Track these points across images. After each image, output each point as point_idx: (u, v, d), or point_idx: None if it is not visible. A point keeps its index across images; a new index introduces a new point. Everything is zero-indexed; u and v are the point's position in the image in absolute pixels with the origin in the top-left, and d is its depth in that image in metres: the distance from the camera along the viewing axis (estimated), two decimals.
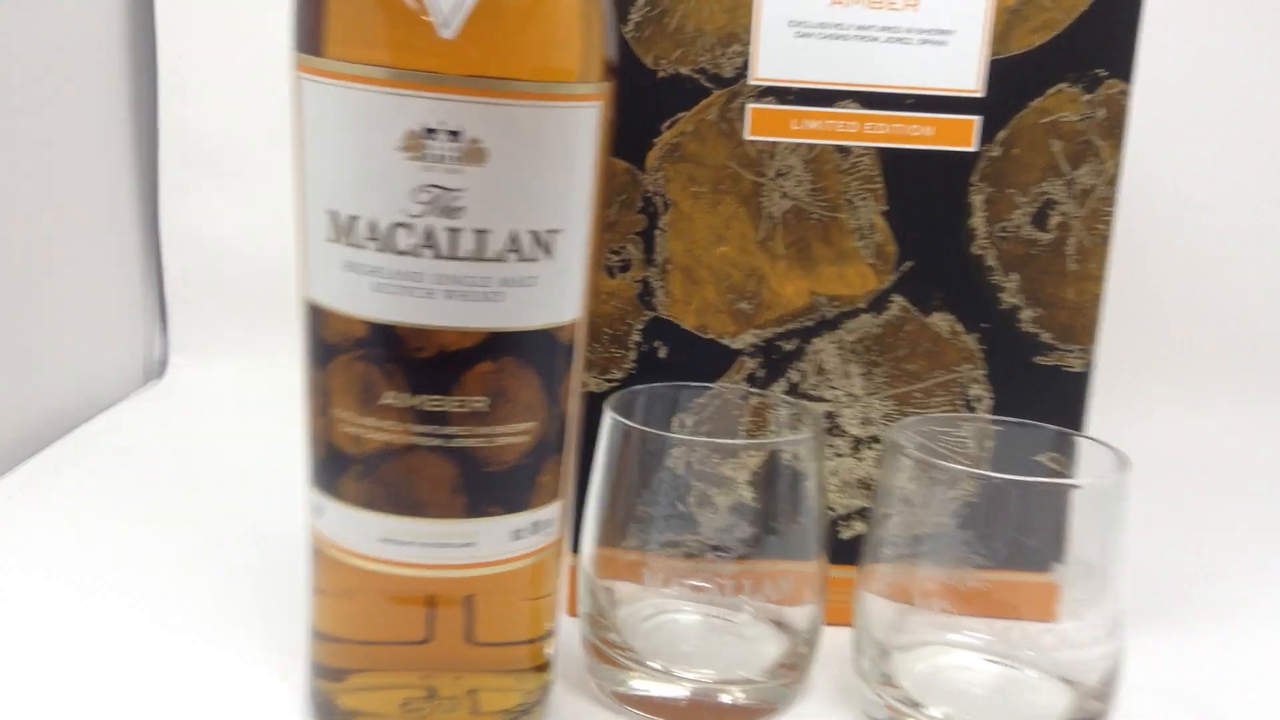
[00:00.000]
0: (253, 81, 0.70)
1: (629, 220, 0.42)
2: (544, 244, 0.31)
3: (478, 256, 0.30)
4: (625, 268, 0.42)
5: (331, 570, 0.34)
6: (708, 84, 0.41)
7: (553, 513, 0.35)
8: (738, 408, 0.42)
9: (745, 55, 0.41)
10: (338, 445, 0.32)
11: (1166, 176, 0.66)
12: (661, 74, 0.41)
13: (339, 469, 0.33)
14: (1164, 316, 0.68)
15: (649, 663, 0.38)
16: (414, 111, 0.29)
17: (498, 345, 0.31)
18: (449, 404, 0.31)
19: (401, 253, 0.30)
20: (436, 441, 0.31)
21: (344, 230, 0.30)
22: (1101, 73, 0.41)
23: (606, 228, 0.42)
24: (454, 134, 0.29)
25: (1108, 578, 0.35)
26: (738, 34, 0.40)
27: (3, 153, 0.57)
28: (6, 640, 0.40)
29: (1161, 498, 0.60)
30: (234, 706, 0.37)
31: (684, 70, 0.41)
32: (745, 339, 0.43)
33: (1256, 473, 0.66)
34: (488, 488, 0.32)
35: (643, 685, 0.38)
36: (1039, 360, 0.43)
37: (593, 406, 0.43)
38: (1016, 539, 0.35)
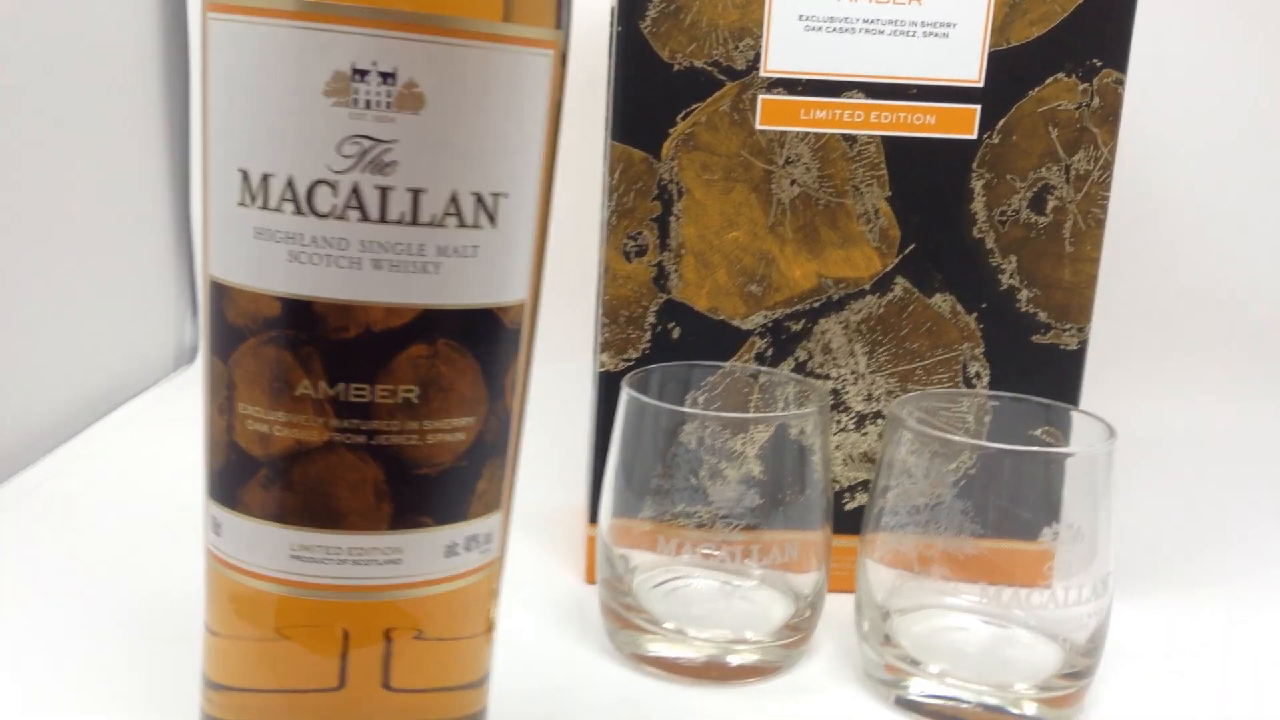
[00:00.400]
0: None
1: (645, 207, 0.44)
2: (488, 209, 0.27)
3: (411, 220, 0.26)
4: (641, 252, 0.44)
5: (226, 601, 0.30)
6: (721, 76, 0.43)
7: (492, 526, 0.30)
8: (747, 385, 0.44)
9: (757, 48, 0.42)
10: (242, 447, 0.28)
11: (1159, 162, 0.68)
12: (677, 67, 0.43)
13: (242, 476, 0.28)
14: (1156, 296, 0.70)
15: (664, 625, 0.40)
16: (343, 49, 0.25)
17: (432, 325, 0.27)
18: (374, 394, 0.27)
19: (323, 216, 0.26)
20: (359, 439, 0.27)
21: (256, 192, 0.26)
22: (1097, 63, 0.43)
23: (623, 214, 0.44)
24: (387, 75, 0.25)
25: (1096, 541, 0.37)
26: (749, 28, 0.42)
27: (44, 150, 0.59)
28: (58, 611, 0.42)
29: (1151, 469, 0.63)
30: None
31: (698, 63, 0.43)
32: (755, 320, 0.45)
33: (1243, 446, 0.68)
34: (418, 494, 0.28)
35: (658, 647, 0.40)
36: (1036, 339, 0.45)
37: (610, 385, 0.45)
38: (1011, 508, 0.37)
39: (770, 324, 0.45)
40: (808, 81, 0.43)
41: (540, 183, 0.29)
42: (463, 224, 0.27)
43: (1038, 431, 0.41)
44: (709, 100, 0.43)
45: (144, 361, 0.72)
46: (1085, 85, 0.43)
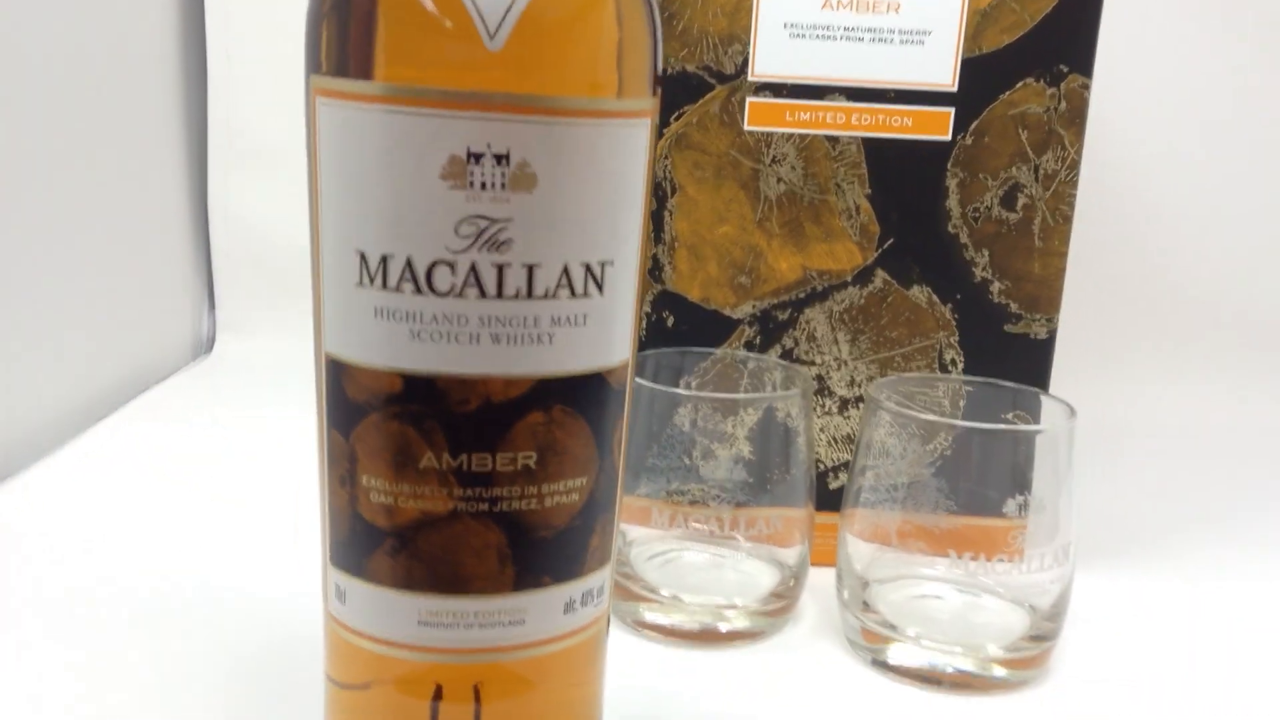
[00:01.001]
0: (294, 80, 0.74)
1: (650, 204, 0.47)
2: (596, 278, 0.28)
3: (527, 295, 0.27)
4: (648, 250, 0.47)
5: (352, 661, 0.31)
6: (711, 80, 0.46)
7: (604, 579, 0.31)
8: (737, 371, 0.47)
9: (744, 54, 0.45)
10: (366, 518, 0.29)
11: (1123, 162, 0.72)
12: (670, 71, 0.45)
13: (368, 545, 0.29)
14: (1121, 288, 0.74)
15: (660, 592, 0.43)
16: (458, 134, 0.26)
17: (547, 393, 0.28)
18: (496, 462, 0.28)
19: (442, 294, 0.27)
20: (482, 506, 0.28)
21: (375, 273, 0.27)
22: (1064, 68, 0.45)
23: None
24: (501, 157, 0.26)
25: (1058, 513, 0.40)
26: (738, 35, 0.45)
27: (67, 146, 0.62)
28: (72, 591, 0.44)
29: (1115, 451, 0.66)
30: None
31: (690, 68, 0.46)
32: (744, 309, 0.48)
33: (1202, 429, 0.72)
34: (538, 556, 0.29)
35: (655, 615, 0.43)
36: (1008, 328, 0.48)
37: None
38: (982, 484, 0.40)
39: (759, 313, 0.48)
40: (792, 85, 0.45)
41: (640, 246, 0.29)
42: (574, 294, 0.28)
43: (1008, 415, 0.44)
44: (700, 102, 0.46)
45: (162, 352, 0.75)
46: (1053, 90, 0.45)
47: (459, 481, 0.28)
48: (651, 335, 0.48)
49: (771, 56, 0.45)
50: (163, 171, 0.74)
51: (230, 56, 0.75)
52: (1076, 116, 0.46)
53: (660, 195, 0.46)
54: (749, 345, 0.48)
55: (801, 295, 0.47)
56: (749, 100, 0.46)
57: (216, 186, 0.77)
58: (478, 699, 0.30)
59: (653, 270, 0.47)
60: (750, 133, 0.46)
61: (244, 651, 0.40)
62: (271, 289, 0.78)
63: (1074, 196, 0.46)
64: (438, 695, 0.30)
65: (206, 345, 0.80)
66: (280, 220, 0.77)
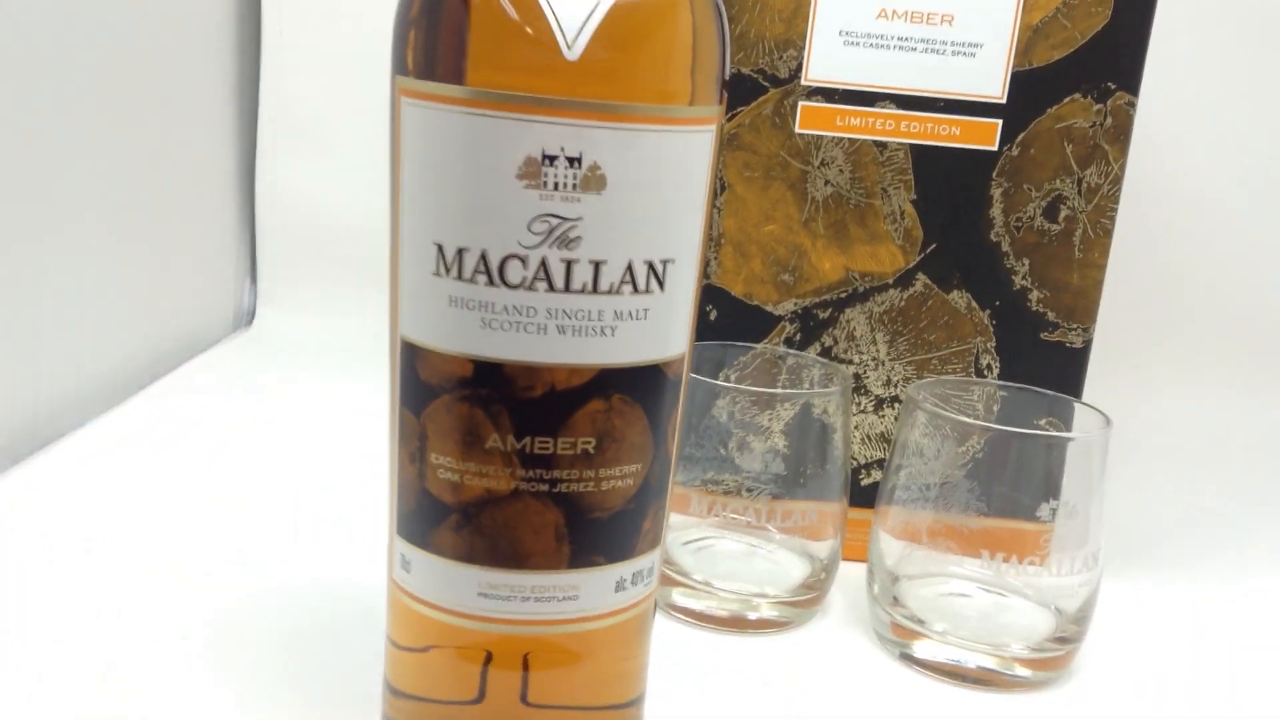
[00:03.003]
0: (344, 60, 0.76)
1: (712, 207, 0.48)
2: (658, 275, 0.30)
3: (593, 290, 0.29)
4: (707, 248, 0.48)
5: (411, 626, 0.33)
6: (765, 83, 0.47)
7: (653, 560, 0.33)
8: (776, 366, 0.48)
9: (799, 59, 0.46)
10: (433, 493, 0.30)
11: (1165, 178, 0.72)
12: (726, 74, 0.47)
13: (434, 519, 0.31)
14: (1157, 301, 0.75)
15: (693, 577, 0.44)
16: (535, 137, 0.27)
17: (608, 382, 0.30)
18: (557, 446, 0.30)
19: (513, 287, 0.28)
20: (542, 487, 0.30)
21: (450, 264, 0.29)
22: (1111, 86, 0.46)
23: None
24: (574, 160, 0.28)
25: (1088, 520, 0.41)
26: (793, 40, 0.46)
27: (121, 123, 0.63)
28: (112, 557, 0.45)
29: (1146, 459, 0.67)
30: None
31: (745, 70, 0.47)
32: (786, 307, 0.49)
33: (1234, 439, 0.73)
34: (593, 536, 0.31)
35: (687, 600, 0.44)
36: (1044, 336, 0.49)
37: None
38: (1014, 488, 0.41)
39: (800, 311, 0.49)
40: (844, 91, 0.46)
41: (701, 246, 0.31)
42: (636, 290, 0.29)
43: (1041, 421, 0.45)
44: (753, 104, 0.47)
45: (204, 323, 0.76)
46: (1099, 106, 0.46)
47: (521, 463, 0.29)
48: (695, 328, 0.49)
49: (825, 62, 0.46)
50: (213, 147, 0.76)
51: (283, 34, 0.76)
52: (1121, 133, 0.47)
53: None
54: (789, 342, 0.49)
55: (843, 295, 0.49)
56: (801, 104, 0.47)
57: (265, 162, 0.79)
58: (526, 667, 0.32)
59: None
60: (801, 135, 0.47)
61: (289, 623, 0.41)
62: (312, 264, 0.79)
63: (1115, 210, 0.47)
64: (488, 661, 0.32)
65: (247, 318, 0.81)
66: (323, 197, 0.78)
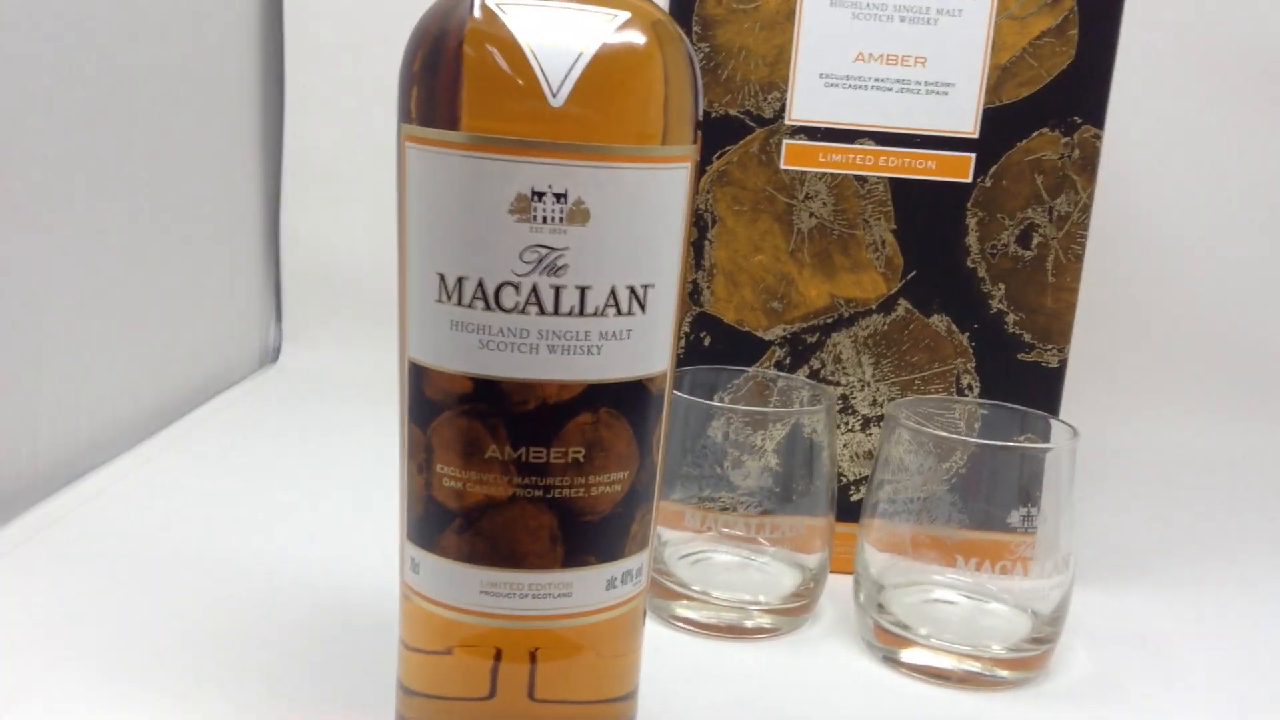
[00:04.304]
0: (364, 107, 0.80)
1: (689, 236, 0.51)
2: (639, 299, 0.32)
3: (579, 312, 0.31)
4: (686, 275, 0.51)
5: (422, 626, 0.35)
6: (751, 123, 0.50)
7: (642, 561, 0.35)
8: (768, 388, 0.51)
9: (783, 100, 0.50)
10: (439, 500, 0.33)
11: (1132, 206, 0.76)
12: (714, 114, 0.50)
13: (439, 524, 0.33)
14: (1128, 322, 0.78)
15: (692, 587, 0.47)
16: (525, 176, 0.30)
17: (595, 396, 0.32)
18: (550, 455, 0.32)
19: (508, 311, 0.31)
20: (537, 493, 0.32)
21: (451, 291, 0.31)
22: (1077, 120, 0.49)
23: None
24: (560, 196, 0.30)
25: (1059, 525, 0.43)
26: (777, 83, 0.49)
27: (151, 165, 0.66)
28: (134, 593, 0.46)
29: (1119, 475, 0.70)
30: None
31: (732, 112, 0.50)
32: (775, 332, 0.52)
33: (1204, 457, 0.75)
34: (584, 538, 0.33)
35: (686, 610, 0.47)
36: (1021, 357, 0.51)
37: None
38: (992, 498, 0.43)
39: (789, 336, 0.52)
40: (826, 129, 0.50)
41: (680, 271, 0.34)
42: (620, 312, 0.32)
43: (1019, 437, 0.47)
44: (740, 143, 0.50)
45: (231, 361, 0.79)
46: (1067, 139, 0.49)
47: (518, 471, 0.32)
48: (689, 353, 0.52)
49: (807, 103, 0.49)
50: (240, 192, 0.79)
51: (306, 88, 0.81)
52: (1089, 164, 0.49)
53: (701, 226, 0.51)
54: (779, 365, 0.52)
55: (829, 321, 0.51)
56: (786, 142, 0.50)
57: (288, 207, 0.82)
58: (533, 663, 0.34)
59: (692, 294, 0.51)
60: (786, 171, 0.50)
61: (311, 658, 0.42)
62: (335, 303, 0.83)
63: (1085, 237, 0.50)
64: (498, 657, 0.34)
65: (272, 355, 0.85)
66: (345, 240, 0.82)
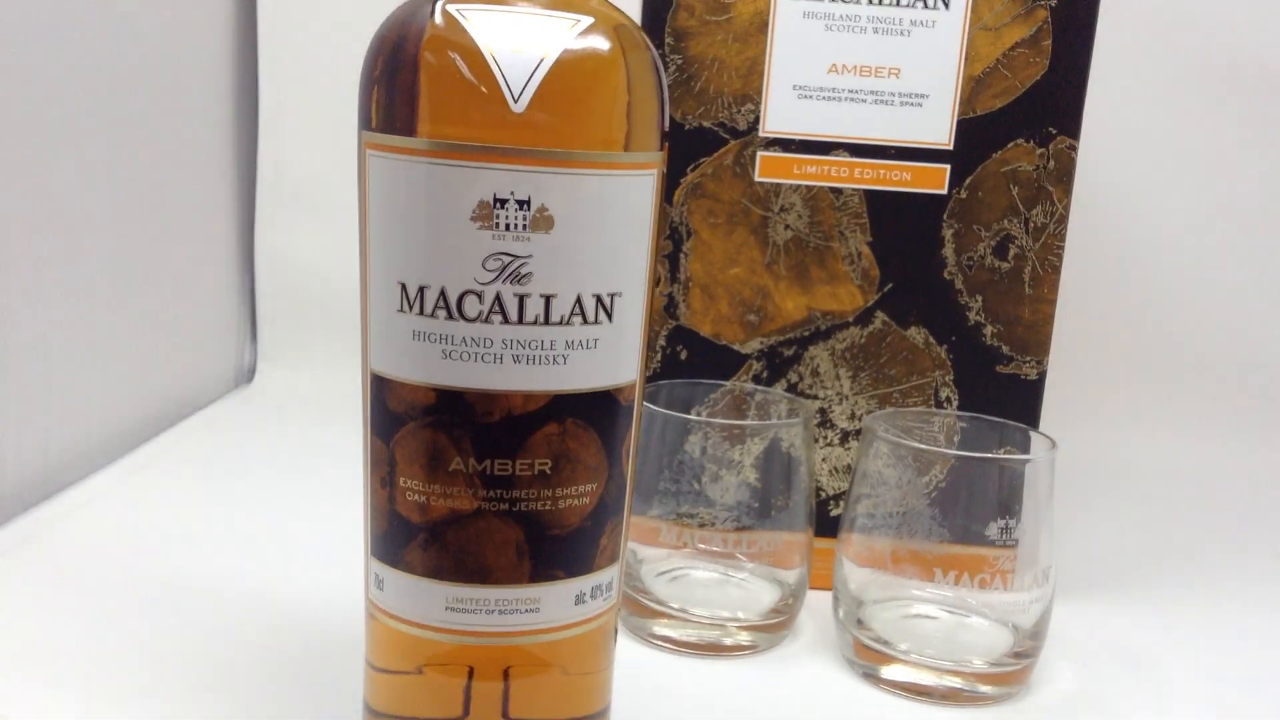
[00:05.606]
0: (339, 127, 0.79)
1: (658, 245, 0.50)
2: (606, 307, 0.32)
3: (544, 321, 0.31)
4: (655, 284, 0.51)
5: (389, 645, 0.34)
6: (725, 135, 0.50)
7: (613, 575, 0.35)
8: (745, 402, 0.51)
9: (756, 112, 0.49)
10: (402, 515, 0.32)
11: (1107, 216, 0.76)
12: (688, 127, 0.50)
13: (403, 539, 0.32)
14: (1105, 333, 0.78)
15: (670, 605, 0.46)
16: (487, 182, 0.29)
17: (562, 407, 0.31)
18: (515, 468, 0.31)
19: (471, 320, 0.30)
20: (503, 506, 0.32)
21: (413, 301, 0.31)
22: (1052, 130, 0.49)
23: None
24: (523, 203, 0.30)
25: (1038, 538, 0.43)
26: (750, 95, 0.49)
27: (125, 185, 0.66)
28: (108, 611, 0.45)
29: (1098, 488, 0.70)
30: None
31: (706, 124, 0.50)
32: (752, 345, 0.51)
33: (1181, 469, 0.75)
34: (552, 552, 0.32)
35: (664, 628, 0.46)
36: (999, 369, 0.51)
37: None
38: (971, 511, 0.43)
39: (766, 349, 0.51)
40: (800, 141, 0.49)
41: (648, 280, 0.33)
42: (586, 321, 0.31)
43: (999, 450, 0.47)
44: (715, 155, 0.50)
45: (206, 380, 0.79)
46: (1042, 150, 0.49)
47: (483, 484, 0.32)
48: (665, 367, 0.51)
49: (781, 115, 0.49)
50: (215, 211, 0.79)
51: (280, 108, 0.80)
52: (1064, 174, 0.49)
53: (676, 239, 0.50)
54: (756, 379, 0.51)
55: (806, 334, 0.51)
56: (760, 154, 0.49)
57: (263, 226, 0.82)
58: (506, 682, 0.34)
59: (668, 307, 0.51)
60: (760, 184, 0.50)
61: (281, 673, 0.42)
62: (310, 323, 0.82)
63: (1062, 248, 0.50)
64: (471, 675, 0.33)
65: (248, 374, 0.84)
66: (320, 258, 0.81)
